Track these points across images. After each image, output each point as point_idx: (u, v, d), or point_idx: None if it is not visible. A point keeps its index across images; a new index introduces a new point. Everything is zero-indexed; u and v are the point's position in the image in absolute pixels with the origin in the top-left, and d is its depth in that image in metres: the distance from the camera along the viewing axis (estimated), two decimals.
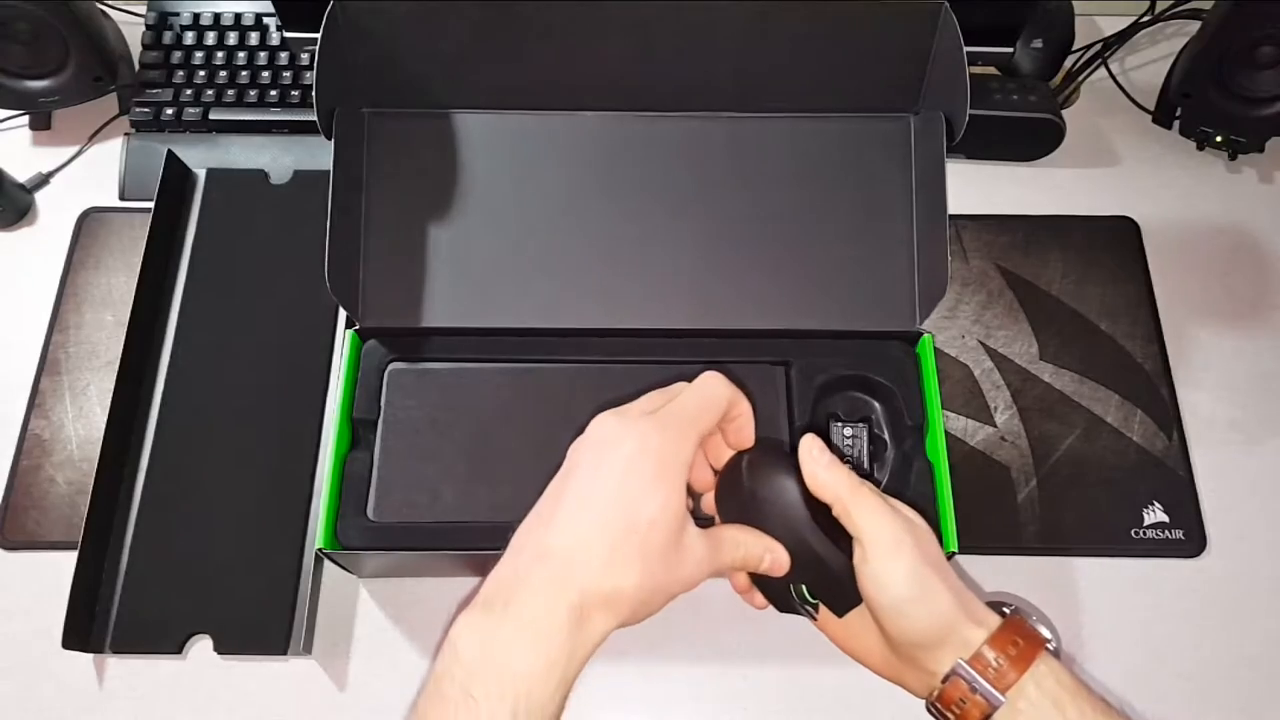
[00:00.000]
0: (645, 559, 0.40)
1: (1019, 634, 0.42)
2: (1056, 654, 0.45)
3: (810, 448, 0.45)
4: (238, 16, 0.82)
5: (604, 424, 0.44)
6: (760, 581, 0.48)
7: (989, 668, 0.41)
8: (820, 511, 0.45)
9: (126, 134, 0.80)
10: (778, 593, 0.47)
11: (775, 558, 0.45)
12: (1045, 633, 0.44)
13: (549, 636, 0.38)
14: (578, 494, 0.41)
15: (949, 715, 0.42)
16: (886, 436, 0.63)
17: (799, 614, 0.48)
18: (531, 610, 0.39)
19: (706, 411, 0.44)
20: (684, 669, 0.63)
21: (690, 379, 0.63)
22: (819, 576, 0.45)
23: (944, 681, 0.42)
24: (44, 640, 0.61)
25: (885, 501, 0.45)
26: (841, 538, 0.45)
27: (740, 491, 0.47)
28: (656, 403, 0.44)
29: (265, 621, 0.63)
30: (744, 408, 0.46)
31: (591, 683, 0.62)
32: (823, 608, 0.47)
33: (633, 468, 0.41)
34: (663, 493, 0.41)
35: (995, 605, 0.45)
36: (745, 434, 0.47)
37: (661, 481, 0.41)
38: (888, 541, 0.43)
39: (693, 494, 0.47)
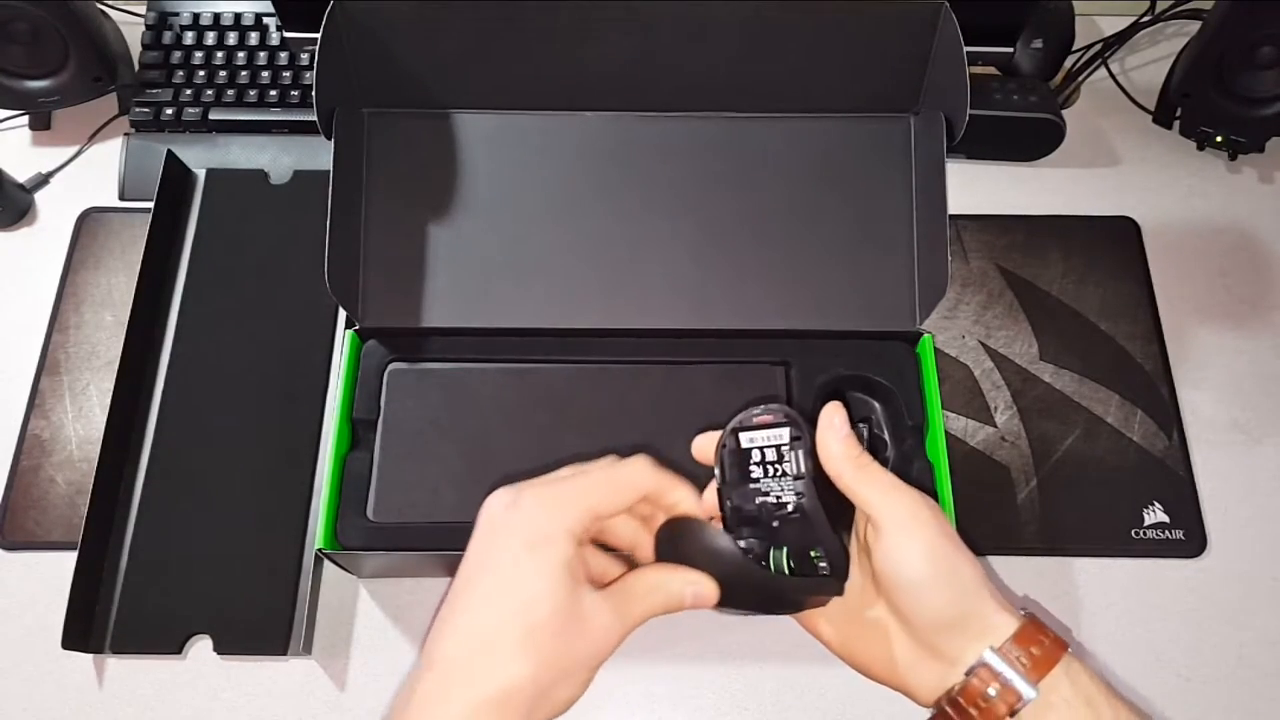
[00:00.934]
0: (535, 643, 0.36)
1: (1043, 631, 0.40)
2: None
3: (832, 415, 0.43)
4: (238, 16, 0.82)
5: (491, 501, 0.40)
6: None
7: (1018, 659, 0.39)
8: (825, 487, 0.43)
9: (126, 134, 0.80)
10: (754, 580, 0.43)
11: (698, 590, 0.40)
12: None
13: None
14: (460, 585, 0.38)
15: (971, 712, 0.40)
16: (887, 436, 0.63)
17: (778, 611, 0.45)
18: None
19: (609, 488, 0.40)
20: (684, 669, 0.63)
21: (690, 379, 0.63)
22: (809, 540, 0.43)
23: (968, 674, 0.40)
24: (44, 640, 0.61)
25: (898, 479, 0.43)
26: (839, 518, 0.44)
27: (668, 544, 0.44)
28: (564, 475, 0.41)
29: (265, 622, 0.63)
30: (680, 494, 0.42)
31: (593, 682, 0.62)
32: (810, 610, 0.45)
33: (506, 547, 0.38)
34: (541, 567, 0.37)
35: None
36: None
37: (540, 555, 0.37)
38: (903, 516, 0.41)
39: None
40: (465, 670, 0.36)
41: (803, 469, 0.43)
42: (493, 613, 0.37)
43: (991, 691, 0.39)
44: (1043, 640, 0.40)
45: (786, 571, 0.43)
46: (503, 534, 0.39)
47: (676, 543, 0.43)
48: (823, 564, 0.43)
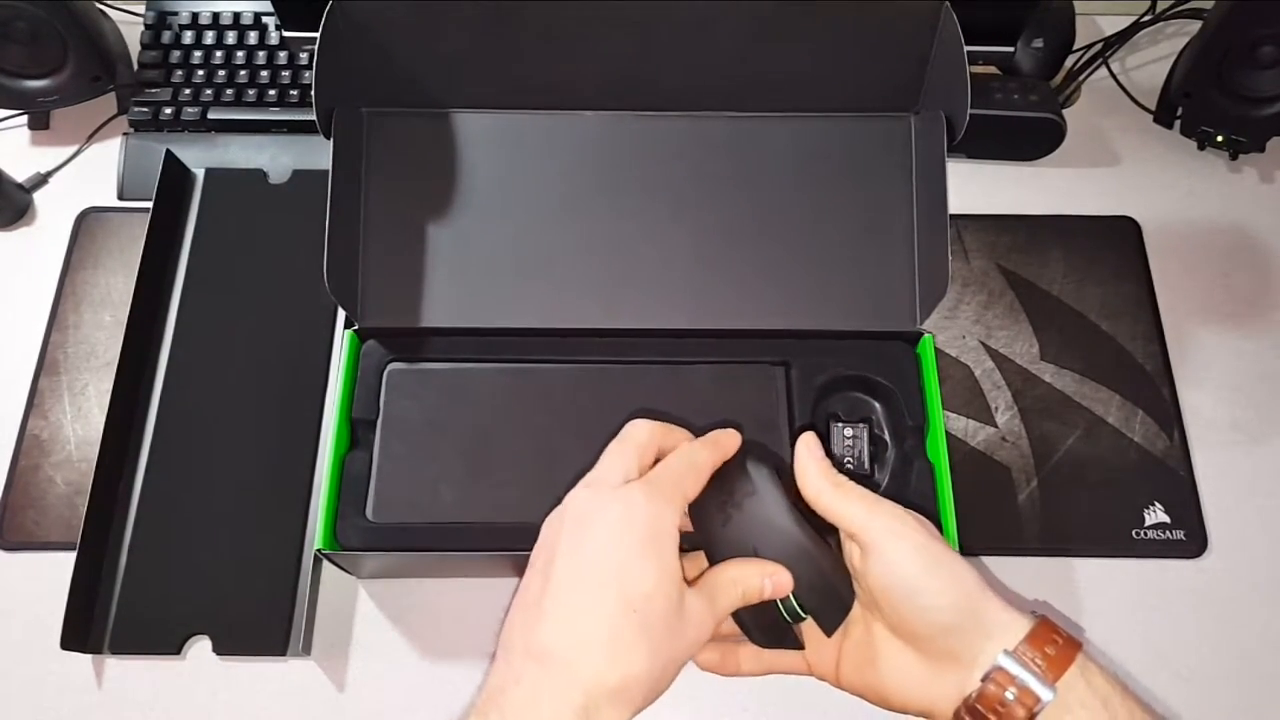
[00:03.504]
0: (649, 638, 0.37)
1: (1056, 631, 0.40)
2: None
3: (808, 444, 0.44)
4: (237, 16, 0.82)
5: (579, 498, 0.41)
6: (742, 618, 0.44)
7: (1034, 661, 0.39)
8: (807, 513, 0.44)
9: (125, 133, 0.80)
10: (762, 623, 0.44)
11: (776, 580, 0.42)
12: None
13: None
14: (565, 579, 0.39)
15: (989, 718, 0.39)
16: (887, 437, 0.63)
17: (787, 646, 0.46)
18: (528, 708, 0.36)
19: (690, 476, 0.42)
20: (683, 669, 0.63)
21: (690, 379, 0.63)
22: (809, 577, 0.43)
23: (984, 680, 0.39)
24: (43, 640, 0.61)
25: (878, 497, 0.43)
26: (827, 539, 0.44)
27: (720, 496, 0.45)
28: (620, 465, 0.42)
29: (264, 622, 0.62)
30: (718, 456, 0.44)
31: None
32: (811, 641, 0.45)
33: (619, 541, 0.39)
34: (656, 562, 0.38)
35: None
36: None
37: (653, 551, 0.38)
38: (889, 525, 0.42)
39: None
40: (582, 663, 0.37)
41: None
42: (609, 606, 0.38)
43: (1009, 695, 0.39)
44: (1056, 640, 0.40)
45: (800, 613, 0.44)
46: (607, 523, 0.39)
47: (733, 489, 0.44)
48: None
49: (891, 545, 0.41)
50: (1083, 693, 0.39)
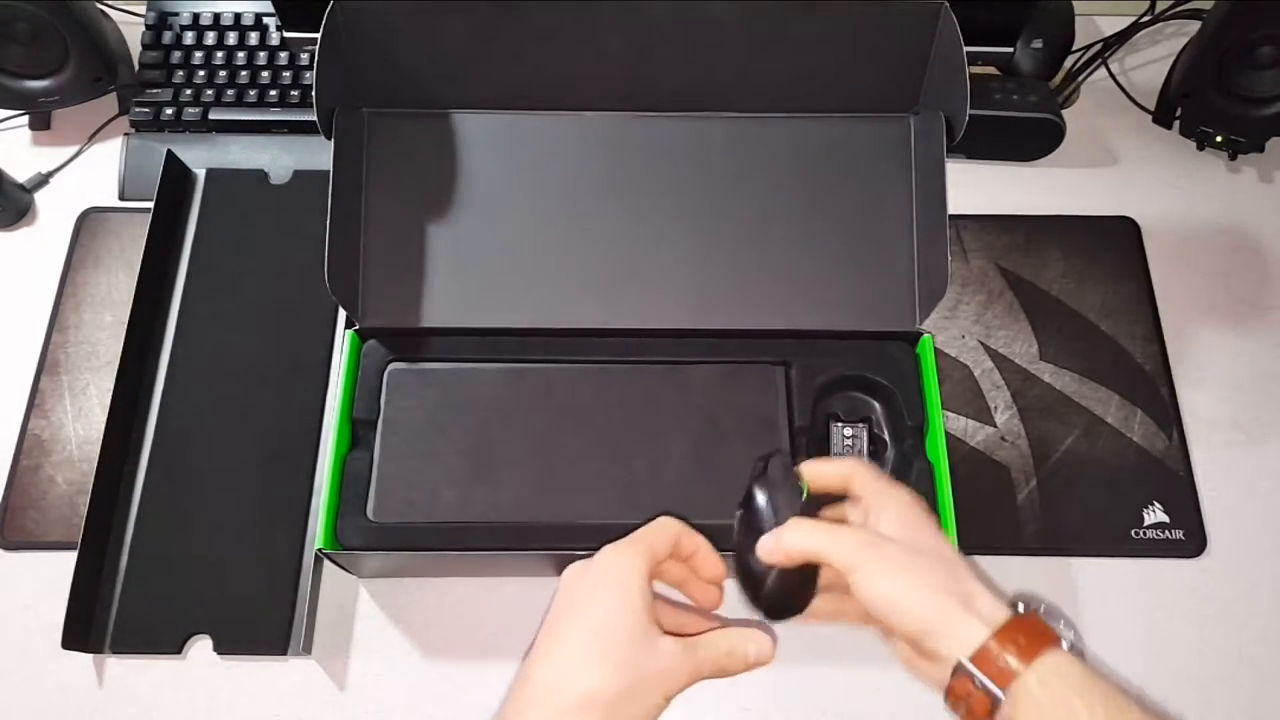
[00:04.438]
0: (611, 659, 0.42)
1: (1024, 630, 0.41)
2: (1080, 653, 0.43)
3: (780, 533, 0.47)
4: (237, 16, 0.82)
5: (569, 570, 0.47)
6: (747, 577, 0.48)
7: (992, 663, 0.41)
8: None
9: (126, 134, 0.80)
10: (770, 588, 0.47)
11: (760, 648, 0.46)
12: (1064, 630, 0.42)
13: None
14: (551, 623, 0.45)
15: (959, 710, 0.42)
16: (886, 436, 0.63)
17: (788, 616, 0.49)
18: None
19: (655, 535, 0.47)
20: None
21: (690, 379, 0.63)
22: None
23: (952, 676, 0.42)
24: (44, 640, 0.61)
25: (833, 527, 0.46)
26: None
27: (743, 509, 0.49)
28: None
29: (265, 622, 0.62)
30: (698, 541, 0.49)
31: None
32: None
33: (593, 585, 0.45)
34: (617, 595, 0.44)
35: (1019, 603, 0.45)
36: (710, 563, 0.49)
37: (615, 586, 0.44)
38: (849, 558, 0.44)
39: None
40: (551, 681, 0.42)
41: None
42: (574, 632, 0.44)
43: (970, 694, 0.41)
44: (1020, 640, 0.41)
45: None
46: (585, 581, 0.45)
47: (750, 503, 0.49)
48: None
49: (860, 573, 0.44)
50: (1035, 690, 0.40)
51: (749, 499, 0.49)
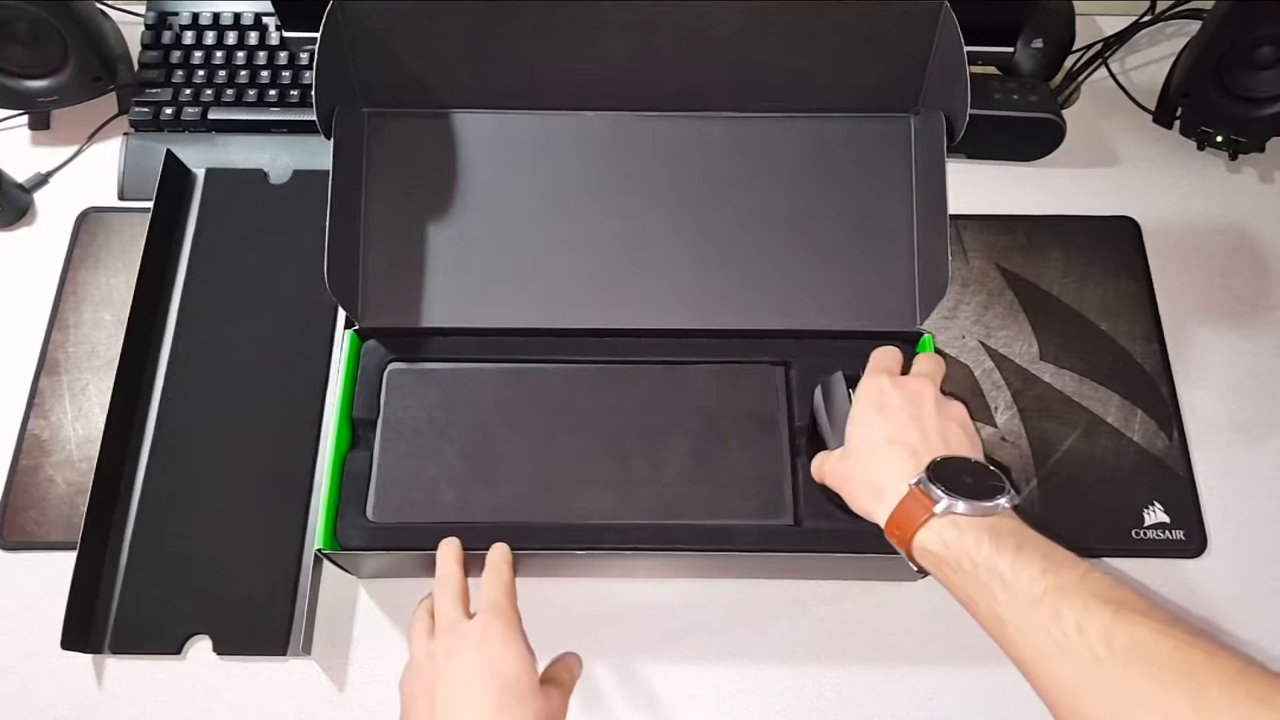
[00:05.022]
0: (527, 707, 0.48)
1: (902, 518, 0.47)
2: (989, 499, 0.47)
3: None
4: (237, 16, 0.82)
5: (431, 648, 0.51)
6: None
7: (894, 536, 0.49)
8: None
9: (125, 134, 0.80)
10: None
11: (579, 665, 0.56)
12: (943, 497, 0.47)
13: None
14: (449, 696, 0.48)
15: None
16: None
17: None
18: None
19: (506, 586, 0.53)
20: (685, 669, 0.63)
21: (690, 379, 0.63)
22: None
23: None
24: (44, 640, 0.61)
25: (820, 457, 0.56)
26: None
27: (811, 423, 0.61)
28: (451, 605, 0.52)
29: (264, 622, 0.62)
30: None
31: (593, 682, 0.62)
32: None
33: (484, 646, 0.50)
34: (516, 648, 0.50)
35: (961, 458, 0.49)
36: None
37: (511, 645, 0.50)
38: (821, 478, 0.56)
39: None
40: None
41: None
42: (492, 693, 0.48)
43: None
44: (900, 527, 0.48)
45: None
46: (470, 642, 0.50)
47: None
48: None
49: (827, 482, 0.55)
50: (925, 555, 0.47)
51: (813, 418, 0.60)
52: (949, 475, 0.47)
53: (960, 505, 0.46)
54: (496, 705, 0.47)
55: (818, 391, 0.61)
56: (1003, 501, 0.46)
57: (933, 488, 0.47)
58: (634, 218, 0.64)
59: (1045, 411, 0.70)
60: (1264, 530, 0.67)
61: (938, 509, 0.46)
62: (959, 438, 0.51)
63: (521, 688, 0.49)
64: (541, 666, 0.54)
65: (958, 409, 0.53)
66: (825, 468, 0.55)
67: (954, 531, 0.45)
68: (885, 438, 0.51)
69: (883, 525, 0.49)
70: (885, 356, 0.57)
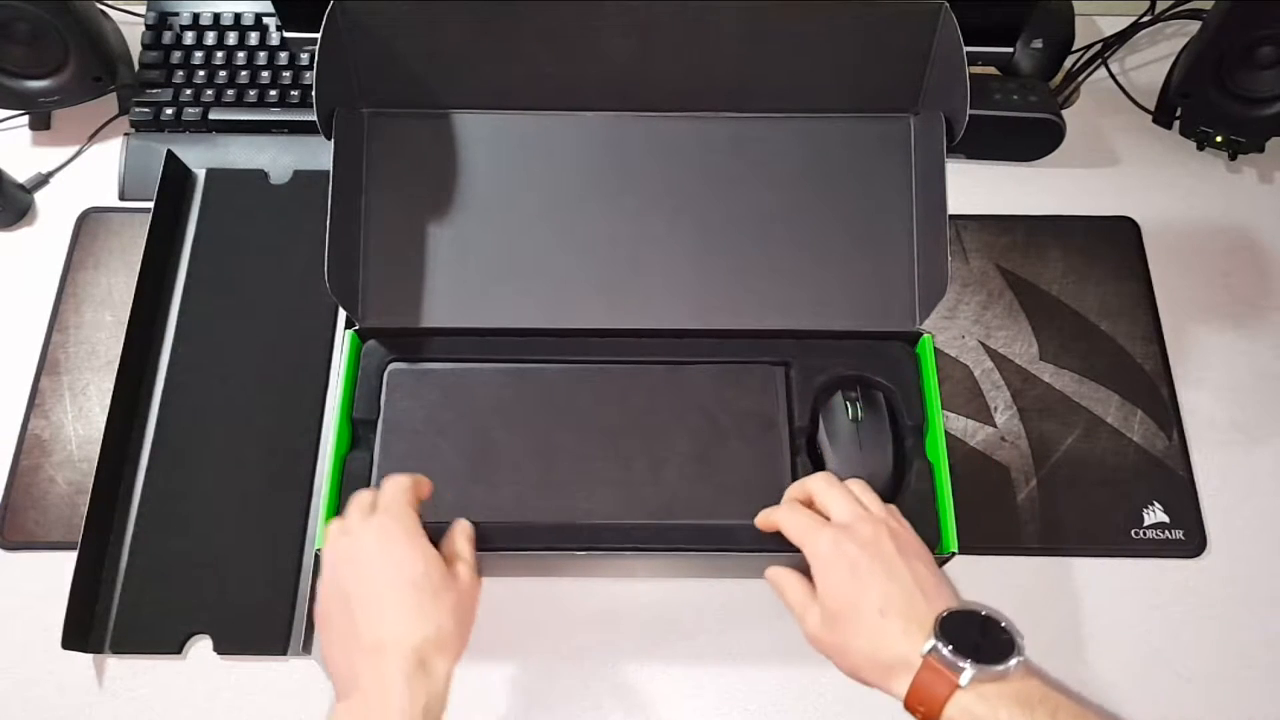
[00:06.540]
0: (440, 600, 0.50)
1: (924, 693, 0.46)
2: (1004, 658, 0.46)
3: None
4: (237, 16, 0.82)
5: (336, 541, 0.53)
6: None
7: (917, 709, 0.47)
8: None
9: (126, 134, 0.80)
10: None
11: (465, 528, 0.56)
12: (964, 665, 0.45)
13: (401, 691, 0.46)
14: (364, 596, 0.50)
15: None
16: None
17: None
18: (378, 681, 0.47)
19: (403, 490, 0.54)
20: (684, 669, 0.63)
21: (690, 379, 0.63)
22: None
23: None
24: (44, 640, 0.61)
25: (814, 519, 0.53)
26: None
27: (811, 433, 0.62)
28: (356, 507, 0.54)
29: (265, 622, 0.63)
30: (424, 481, 0.56)
31: (593, 682, 0.62)
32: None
33: (388, 551, 0.51)
34: (419, 550, 0.51)
35: (961, 612, 0.48)
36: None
37: (414, 542, 0.51)
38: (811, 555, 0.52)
39: None
40: (405, 634, 0.48)
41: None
42: (403, 592, 0.50)
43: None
44: (921, 708, 0.46)
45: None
46: (382, 545, 0.51)
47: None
48: None
49: (803, 624, 0.53)
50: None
51: (814, 430, 0.61)
52: (958, 636, 0.46)
53: (982, 672, 0.45)
54: (414, 605, 0.49)
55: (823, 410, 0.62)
56: (1020, 660, 0.46)
57: (949, 656, 0.46)
58: (634, 218, 0.64)
59: (1045, 411, 0.70)
60: (1264, 530, 0.67)
61: (962, 681, 0.45)
62: (932, 581, 0.50)
63: (433, 580, 0.50)
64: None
65: (912, 542, 0.52)
66: (814, 634, 0.52)
67: (984, 707, 0.44)
68: (874, 609, 0.49)
69: (900, 700, 0.47)
70: (796, 490, 0.56)
